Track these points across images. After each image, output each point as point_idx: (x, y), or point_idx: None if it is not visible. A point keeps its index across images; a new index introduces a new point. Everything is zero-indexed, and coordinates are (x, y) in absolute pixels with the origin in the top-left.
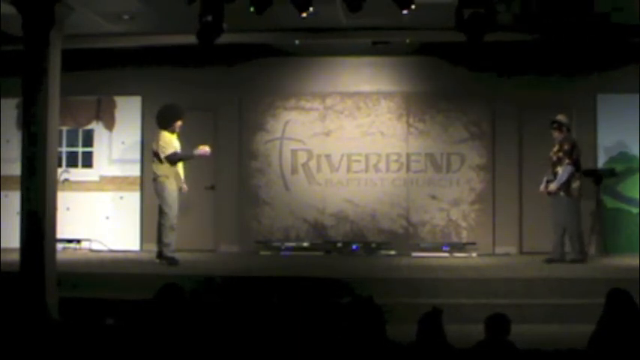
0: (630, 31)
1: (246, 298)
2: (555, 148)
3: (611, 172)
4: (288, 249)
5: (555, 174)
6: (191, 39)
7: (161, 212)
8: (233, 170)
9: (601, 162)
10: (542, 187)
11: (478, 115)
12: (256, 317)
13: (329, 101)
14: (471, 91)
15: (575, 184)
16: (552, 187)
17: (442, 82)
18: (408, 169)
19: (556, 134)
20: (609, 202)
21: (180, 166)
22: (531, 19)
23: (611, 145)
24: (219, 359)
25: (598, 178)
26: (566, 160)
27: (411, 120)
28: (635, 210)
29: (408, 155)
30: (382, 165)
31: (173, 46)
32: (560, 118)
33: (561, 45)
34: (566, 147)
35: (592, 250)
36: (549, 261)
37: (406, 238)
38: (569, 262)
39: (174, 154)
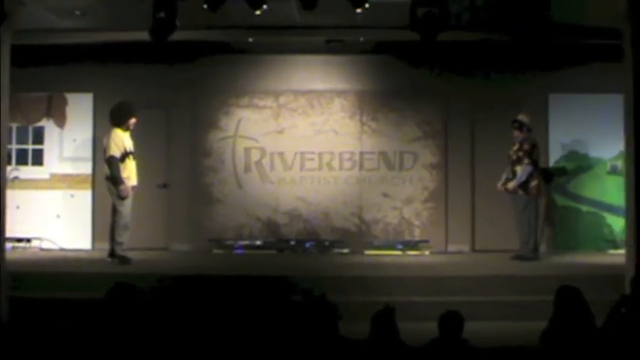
0: (580, 32)
1: (197, 297)
2: (515, 147)
3: (561, 171)
4: (241, 247)
5: (514, 172)
6: (144, 36)
7: (114, 210)
8: (186, 168)
9: (552, 160)
10: (499, 184)
11: (431, 114)
12: (208, 316)
13: (282, 99)
14: (425, 89)
15: (534, 183)
16: (510, 185)
17: (396, 80)
18: (361, 167)
19: (517, 133)
20: (560, 200)
21: (130, 164)
22: (483, 20)
23: (562, 143)
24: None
25: (549, 176)
26: (526, 160)
27: (364, 118)
28: (584, 208)
29: (361, 154)
30: (335, 163)
31: (126, 43)
32: (522, 117)
33: (514, 45)
34: (526, 147)
35: (543, 247)
36: (516, 257)
37: (359, 236)
38: (522, 259)
39: (113, 158)
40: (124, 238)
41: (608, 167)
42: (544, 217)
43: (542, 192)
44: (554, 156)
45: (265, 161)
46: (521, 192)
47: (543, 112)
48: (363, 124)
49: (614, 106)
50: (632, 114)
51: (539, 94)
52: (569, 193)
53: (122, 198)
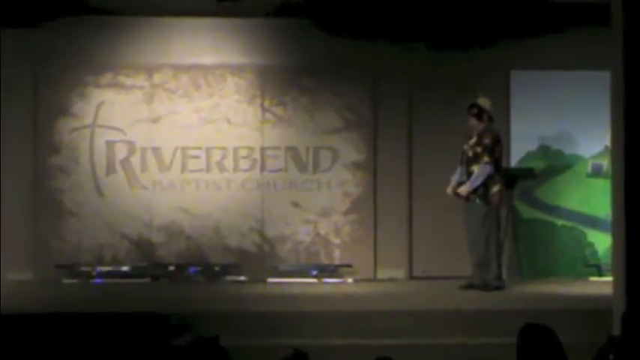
0: None
1: (41, 344)
2: (472, 141)
3: (528, 173)
4: (101, 275)
5: (470, 174)
6: None
7: None
8: (25, 169)
9: (515, 159)
10: (449, 188)
11: (356, 97)
12: None
13: (158, 77)
14: (347, 65)
15: (495, 188)
16: (463, 189)
17: (309, 52)
18: (262, 167)
19: (474, 123)
20: (525, 212)
21: None
22: None
23: (528, 136)
24: None
25: (511, 179)
26: (485, 158)
27: (266, 103)
28: (558, 222)
29: (262, 150)
30: (229, 162)
31: None
32: (481, 102)
33: (463, 8)
34: (486, 141)
35: (504, 273)
36: (468, 287)
37: (260, 258)
38: (482, 289)
39: None
40: None
41: (589, 168)
42: (504, 234)
43: (504, 200)
44: (517, 153)
45: (135, 159)
46: (477, 200)
47: (503, 94)
48: (265, 110)
49: (597, 87)
50: (622, 98)
51: (498, 70)
52: (538, 201)
53: None
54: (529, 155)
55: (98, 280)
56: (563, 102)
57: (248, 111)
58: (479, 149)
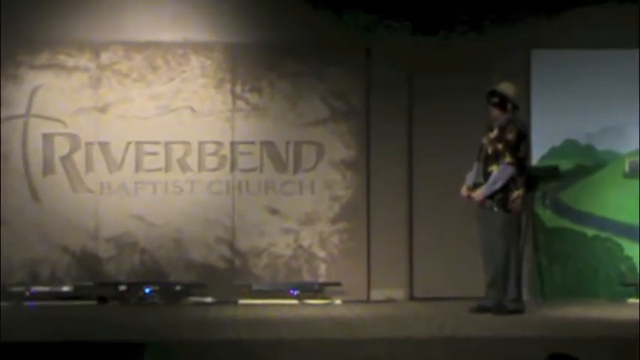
0: None
1: None
2: (493, 134)
3: (552, 172)
4: (37, 297)
5: (488, 174)
6: None
7: None
8: None
9: (537, 155)
10: (464, 189)
11: (345, 83)
12: None
13: (106, 56)
14: (335, 43)
15: (516, 193)
16: (478, 193)
17: (289, 28)
18: (233, 166)
19: (496, 113)
20: (549, 219)
21: None
22: None
23: (552, 129)
24: None
25: (532, 181)
26: (507, 157)
27: (238, 89)
28: (589, 232)
29: (233, 145)
30: (192, 160)
31: None
32: (504, 88)
33: None
34: (509, 136)
35: (525, 293)
36: (480, 309)
37: (230, 276)
38: (497, 313)
39: None
40: None
41: (626, 167)
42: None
43: (526, 207)
44: (539, 148)
45: (78, 157)
46: (495, 207)
47: (522, 78)
48: (236, 97)
49: (634, 68)
50: None
51: (515, 50)
52: (565, 207)
53: None
54: (553, 151)
55: (31, 304)
56: (594, 87)
57: (216, 98)
58: (500, 146)
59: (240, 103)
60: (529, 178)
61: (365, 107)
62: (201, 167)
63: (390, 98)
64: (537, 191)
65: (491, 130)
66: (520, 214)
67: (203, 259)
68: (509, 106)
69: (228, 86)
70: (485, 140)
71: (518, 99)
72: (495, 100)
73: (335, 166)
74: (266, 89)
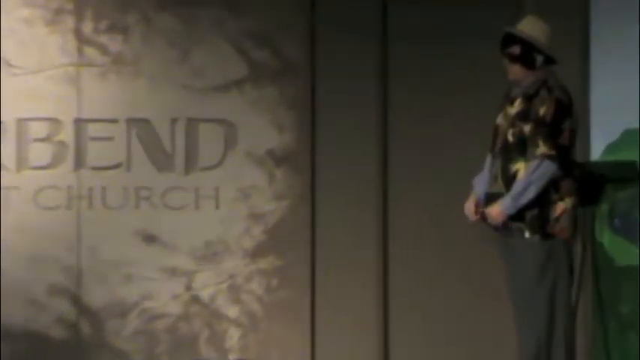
0: None
1: None
2: (514, 108)
3: (625, 172)
4: None
5: (509, 177)
6: None
7: None
8: None
9: (597, 150)
10: (469, 206)
11: (274, 21)
12: None
13: None
14: None
15: (561, 207)
16: (496, 210)
17: None
18: (79, 161)
19: (517, 70)
20: (619, 251)
21: None
22: None
23: (614, 111)
24: None
25: (590, 186)
26: (541, 146)
27: (87, 28)
28: None
29: (78, 124)
30: (9, 151)
31: None
32: (528, 27)
33: None
34: (542, 110)
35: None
36: None
37: (74, 353)
38: None
39: None
40: None
41: None
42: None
43: (580, 231)
44: (599, 137)
45: None
46: (527, 231)
47: (575, 22)
48: (84, 41)
49: None
50: None
51: None
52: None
53: None
54: (617, 144)
55: None
56: None
57: (48, 43)
58: (527, 127)
59: (92, 52)
60: (583, 181)
61: (309, 64)
62: (22, 164)
63: (350, 49)
64: (599, 204)
65: (511, 101)
66: (570, 242)
67: (24, 324)
68: (539, 58)
69: (69, 23)
70: (500, 119)
71: (551, 47)
72: (516, 50)
73: (257, 162)
74: (135, 29)
